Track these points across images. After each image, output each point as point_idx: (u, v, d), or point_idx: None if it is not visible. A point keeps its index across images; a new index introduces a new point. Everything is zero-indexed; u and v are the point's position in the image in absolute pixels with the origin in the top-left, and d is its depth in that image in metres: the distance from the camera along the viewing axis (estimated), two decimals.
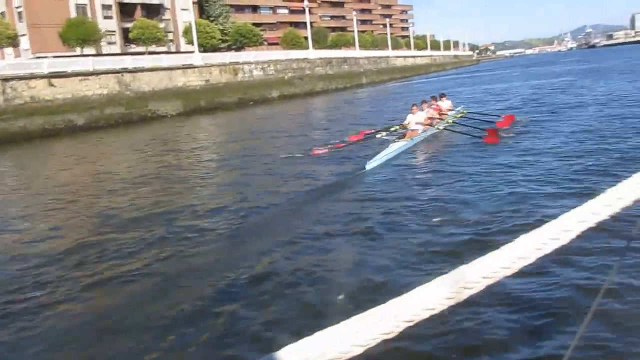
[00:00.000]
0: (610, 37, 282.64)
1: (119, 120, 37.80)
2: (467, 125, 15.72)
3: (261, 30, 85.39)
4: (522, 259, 0.64)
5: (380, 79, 75.37)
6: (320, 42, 74.88)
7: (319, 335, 0.54)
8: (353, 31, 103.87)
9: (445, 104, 18.85)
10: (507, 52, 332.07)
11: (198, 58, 45.40)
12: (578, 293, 4.93)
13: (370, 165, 12.15)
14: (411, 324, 0.56)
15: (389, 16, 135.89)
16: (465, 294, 0.61)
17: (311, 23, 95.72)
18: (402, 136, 15.15)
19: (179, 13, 62.92)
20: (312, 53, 58.92)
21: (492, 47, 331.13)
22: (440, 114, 17.37)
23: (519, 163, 11.03)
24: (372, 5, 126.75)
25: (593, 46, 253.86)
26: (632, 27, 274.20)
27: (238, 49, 61.02)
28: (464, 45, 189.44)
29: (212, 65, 46.39)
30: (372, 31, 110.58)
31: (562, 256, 5.43)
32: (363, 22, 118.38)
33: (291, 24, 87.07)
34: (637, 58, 67.39)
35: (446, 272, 0.65)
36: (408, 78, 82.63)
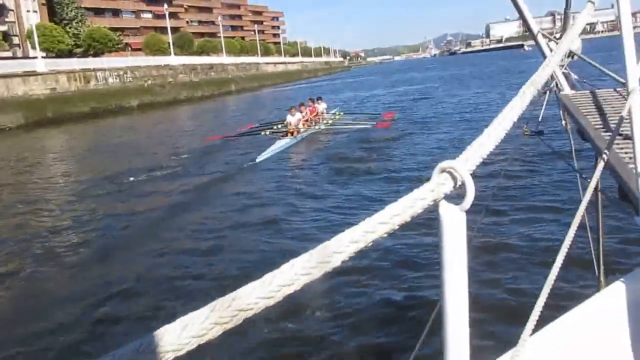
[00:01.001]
0: (469, 44, 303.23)
1: None
2: (345, 127, 18.22)
3: (124, 35, 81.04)
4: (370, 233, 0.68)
5: (250, 85, 74.35)
6: (185, 48, 72.23)
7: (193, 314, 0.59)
8: (224, 37, 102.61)
9: (321, 106, 20.55)
10: (376, 59, 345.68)
11: (41, 64, 41.41)
12: None
13: (260, 158, 14.06)
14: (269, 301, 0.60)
15: (260, 22, 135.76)
16: (279, 295, 0.63)
17: (178, 28, 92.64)
18: (286, 134, 16.81)
19: (25, 15, 57.35)
20: (175, 59, 56.44)
21: (362, 54, 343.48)
22: (315, 116, 19.22)
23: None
24: (242, 11, 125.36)
25: (454, 53, 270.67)
26: (487, 35, 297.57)
27: (96, 55, 56.84)
28: (335, 51, 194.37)
29: (59, 72, 42.55)
30: (242, 37, 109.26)
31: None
32: (233, 28, 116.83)
33: (156, 29, 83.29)
34: (489, 65, 72.63)
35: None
36: (279, 85, 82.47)
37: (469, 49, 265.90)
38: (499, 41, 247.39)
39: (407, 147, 14.71)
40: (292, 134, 16.88)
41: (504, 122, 0.97)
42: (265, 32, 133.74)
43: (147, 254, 7.69)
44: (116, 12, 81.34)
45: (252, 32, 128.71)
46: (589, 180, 1.79)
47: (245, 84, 73.35)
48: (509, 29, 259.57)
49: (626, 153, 2.40)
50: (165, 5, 60.89)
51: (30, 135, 32.95)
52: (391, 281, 5.89)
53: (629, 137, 2.07)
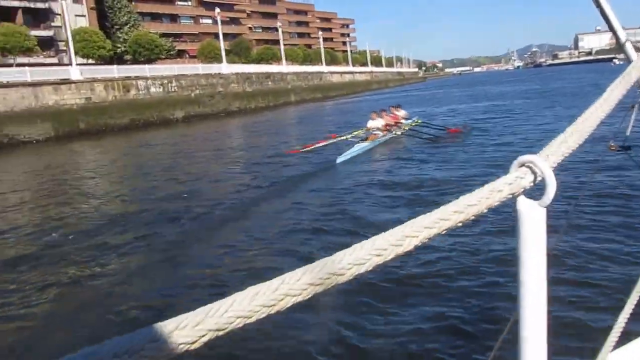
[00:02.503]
0: (555, 56, 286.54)
1: None
2: (421, 131, 18.62)
3: (181, 41, 77.97)
4: (395, 246, 0.66)
5: (312, 96, 68.88)
6: (243, 55, 67.81)
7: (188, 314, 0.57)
8: (288, 44, 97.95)
9: (400, 113, 21.30)
10: (455, 70, 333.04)
11: (76, 71, 37.45)
12: None
13: (340, 159, 14.87)
14: (272, 309, 0.58)
15: (328, 30, 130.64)
16: (351, 273, 0.62)
17: (239, 35, 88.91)
18: (365, 139, 17.48)
19: (74, 20, 54.51)
20: (226, 67, 51.67)
21: (439, 64, 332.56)
22: (395, 122, 19.63)
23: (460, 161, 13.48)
24: (309, 18, 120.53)
25: (539, 65, 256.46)
26: (576, 47, 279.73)
27: (148, 62, 53.16)
28: (409, 61, 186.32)
29: (95, 81, 38.51)
30: (309, 45, 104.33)
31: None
32: (300, 35, 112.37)
33: (215, 35, 79.86)
34: (580, 80, 63.82)
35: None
36: (345, 96, 76.76)
37: (556, 61, 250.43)
38: (589, 53, 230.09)
39: (480, 155, 14.31)
40: (372, 137, 17.87)
41: (589, 121, 0.95)
42: (334, 40, 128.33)
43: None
44: (174, 18, 78.37)
45: (320, 40, 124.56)
46: None
47: (307, 94, 67.89)
48: (599, 41, 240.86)
49: None
50: (217, 10, 56.41)
51: (59, 149, 28.93)
52: (466, 277, 5.64)
53: None
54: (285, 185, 12.39)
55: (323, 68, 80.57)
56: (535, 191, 0.77)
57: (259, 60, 72.07)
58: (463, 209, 0.71)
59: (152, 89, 42.82)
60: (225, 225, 9.22)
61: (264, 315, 0.59)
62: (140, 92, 41.88)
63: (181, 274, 6.91)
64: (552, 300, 0.83)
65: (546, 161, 0.76)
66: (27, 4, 50.33)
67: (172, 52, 62.77)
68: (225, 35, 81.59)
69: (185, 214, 10.10)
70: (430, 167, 13.10)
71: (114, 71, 40.38)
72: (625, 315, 1.15)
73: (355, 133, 18.25)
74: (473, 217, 0.72)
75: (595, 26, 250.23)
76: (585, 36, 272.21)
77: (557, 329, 3.87)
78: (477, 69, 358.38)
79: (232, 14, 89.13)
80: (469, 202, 0.71)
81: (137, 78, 41.87)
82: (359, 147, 16.47)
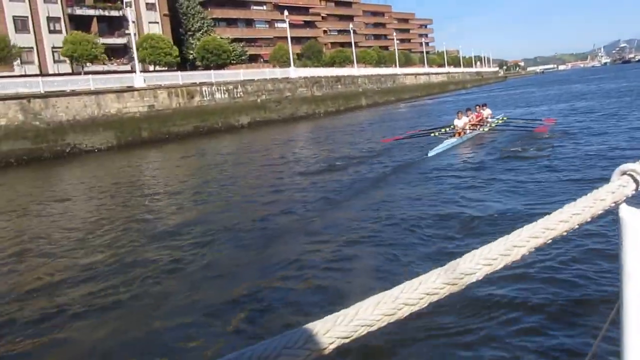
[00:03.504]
0: None
1: (23, 157, 29.76)
2: (507, 129, 19.59)
3: (257, 46, 77.58)
4: (517, 247, 0.67)
5: (384, 99, 66.20)
6: (314, 58, 66.21)
7: (329, 317, 0.58)
8: (363, 47, 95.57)
9: (485, 112, 21.81)
10: (537, 68, 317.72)
11: (139, 79, 37.03)
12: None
13: (431, 153, 16.33)
14: (413, 308, 0.60)
15: (406, 31, 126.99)
16: (463, 282, 0.64)
17: (315, 38, 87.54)
18: (453, 135, 18.71)
19: (147, 27, 55.02)
20: (294, 72, 50.09)
21: (521, 63, 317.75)
22: (479, 121, 20.46)
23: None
24: (386, 19, 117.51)
25: (628, 61, 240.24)
26: None
27: (219, 68, 52.67)
28: (489, 60, 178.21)
29: (158, 88, 37.97)
30: (386, 47, 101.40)
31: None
32: (376, 37, 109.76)
33: (291, 39, 78.87)
34: None
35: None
36: (419, 98, 73.48)
37: None
38: None
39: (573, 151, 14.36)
40: (459, 134, 18.82)
41: None
42: (412, 41, 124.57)
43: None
44: (249, 22, 78.09)
45: (398, 41, 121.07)
46: None
47: (379, 97, 65.24)
48: None
49: None
50: (286, 12, 54.84)
51: (121, 157, 28.50)
52: (566, 281, 5.61)
53: None
54: (382, 177, 13.73)
55: (396, 70, 77.54)
56: (635, 198, 0.77)
57: (331, 63, 70.26)
58: (568, 218, 0.70)
59: (217, 95, 41.88)
60: (325, 218, 9.76)
61: (384, 324, 0.60)
62: (205, 98, 41.02)
63: (284, 276, 6.88)
64: None
65: None
66: (102, 12, 51.27)
67: (243, 57, 62.22)
68: (299, 39, 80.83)
69: (269, 217, 10.30)
70: (517, 161, 13.79)
71: (178, 78, 39.72)
72: None
73: (443, 130, 19.62)
74: (577, 226, 0.71)
75: None
76: None
77: None
78: (561, 67, 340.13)
79: (307, 17, 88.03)
80: (574, 211, 0.71)
81: (202, 84, 41.06)
82: (448, 143, 17.68)
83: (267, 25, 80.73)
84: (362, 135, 27.63)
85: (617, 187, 0.75)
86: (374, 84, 66.24)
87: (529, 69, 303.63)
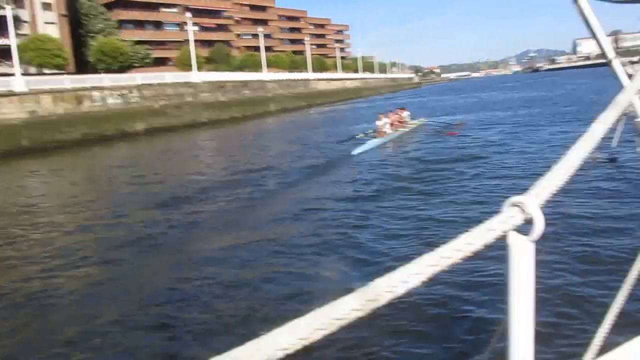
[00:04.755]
0: (553, 61, 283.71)
1: None
2: (424, 131, 22.75)
3: (166, 49, 75.11)
4: (421, 273, 0.73)
5: (295, 105, 65.77)
6: (222, 62, 64.83)
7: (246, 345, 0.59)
8: (278, 51, 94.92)
9: (404, 114, 24.14)
10: (451, 75, 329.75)
11: (20, 82, 34.39)
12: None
13: (355, 152, 18.10)
14: (323, 332, 0.62)
15: (321, 36, 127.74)
16: (373, 306, 0.67)
17: (228, 42, 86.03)
18: (375, 136, 20.82)
19: (43, 28, 51.63)
20: (197, 76, 48.61)
21: (437, 70, 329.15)
22: (400, 122, 23.08)
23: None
24: (301, 24, 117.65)
25: (537, 70, 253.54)
26: (574, 52, 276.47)
27: (121, 71, 50.14)
28: (402, 67, 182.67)
29: (41, 92, 35.43)
30: (302, 52, 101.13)
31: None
32: (292, 41, 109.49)
33: (203, 42, 76.93)
34: (581, 86, 60.55)
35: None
36: (331, 104, 73.68)
37: (553, 66, 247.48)
38: (587, 58, 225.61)
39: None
40: (381, 134, 20.74)
41: (575, 157, 1.02)
42: (328, 46, 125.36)
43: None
44: (158, 25, 75.57)
45: (314, 46, 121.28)
46: None
47: (289, 103, 64.73)
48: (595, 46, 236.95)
49: None
50: (189, 14, 53.14)
51: None
52: (455, 306, 5.76)
53: None
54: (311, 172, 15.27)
55: (309, 75, 77.45)
56: (523, 227, 0.85)
57: (241, 67, 69.14)
58: (462, 247, 0.77)
59: (110, 100, 39.77)
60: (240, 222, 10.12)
61: (299, 349, 0.61)
62: (96, 103, 38.82)
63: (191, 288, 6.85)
64: (538, 324, 0.91)
65: (534, 201, 0.83)
66: None
67: (147, 60, 59.91)
68: (211, 42, 79.10)
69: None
70: (428, 161, 15.39)
71: (65, 82, 37.28)
72: (603, 330, 1.25)
73: (367, 132, 21.81)
74: (471, 254, 0.78)
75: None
76: (584, 41, 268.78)
77: (543, 348, 4.27)
78: (474, 74, 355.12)
79: (219, 21, 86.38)
80: (468, 241, 0.77)
81: (93, 89, 38.80)
82: (370, 143, 19.48)
83: (178, 28, 78.39)
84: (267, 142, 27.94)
85: (507, 217, 0.82)
86: (284, 89, 65.71)
87: (443, 75, 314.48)
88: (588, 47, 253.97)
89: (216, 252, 8.20)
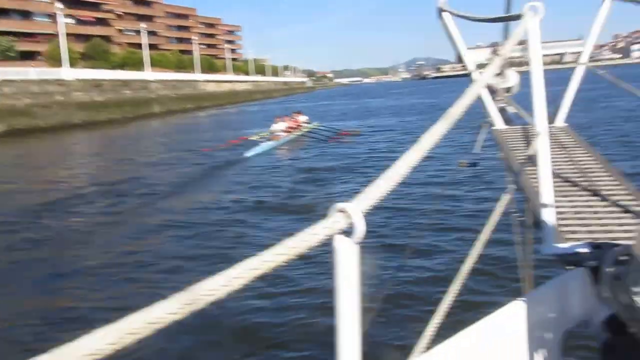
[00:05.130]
0: (439, 69, 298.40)
1: None
2: (318, 133, 22.93)
3: (36, 42, 68.14)
4: (239, 278, 0.76)
5: (181, 107, 62.33)
6: (100, 59, 59.94)
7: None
8: (164, 50, 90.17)
9: (301, 118, 24.95)
10: (344, 80, 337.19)
11: None
12: None
13: (248, 154, 18.42)
14: (135, 337, 0.62)
15: (211, 36, 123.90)
16: (191, 309, 0.68)
17: (108, 37, 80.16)
18: (270, 139, 21.18)
19: None
20: (69, 72, 44.08)
21: (330, 75, 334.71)
22: (297, 125, 23.65)
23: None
24: (190, 22, 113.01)
25: (424, 78, 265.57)
26: (459, 61, 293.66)
27: None
28: (295, 70, 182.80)
29: None
30: (190, 51, 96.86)
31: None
32: (180, 40, 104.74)
33: (78, 36, 70.74)
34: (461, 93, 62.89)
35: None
36: (222, 106, 70.98)
37: (439, 74, 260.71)
38: (482, 66, 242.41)
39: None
40: (275, 138, 21.35)
41: (401, 167, 1.08)
42: (218, 47, 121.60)
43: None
44: (26, 14, 68.43)
45: (204, 46, 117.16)
46: (513, 212, 2.19)
47: (175, 105, 61.18)
48: (480, 56, 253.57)
49: (534, 187, 2.65)
50: (60, 5, 48.26)
51: None
52: (289, 304, 6.06)
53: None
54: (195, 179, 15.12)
55: (197, 76, 74.10)
56: (349, 232, 0.90)
57: (122, 66, 64.34)
58: (286, 251, 0.80)
59: None
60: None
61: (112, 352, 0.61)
62: None
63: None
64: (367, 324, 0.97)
65: (358, 207, 0.89)
66: None
67: (10, 54, 53.74)
68: (89, 37, 72.95)
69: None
70: (320, 162, 16.59)
71: None
72: (432, 326, 1.34)
73: (262, 135, 21.98)
74: (295, 257, 0.81)
75: (476, 42, 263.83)
76: (468, 51, 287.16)
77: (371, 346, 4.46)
78: (366, 80, 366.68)
79: (99, 14, 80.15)
80: (292, 244, 0.81)
81: None
82: (264, 145, 19.91)
83: (50, 19, 71.51)
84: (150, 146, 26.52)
85: (332, 222, 0.87)
86: (169, 90, 62.04)
87: (336, 80, 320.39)
88: (471, 57, 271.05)
89: (54, 280, 7.38)
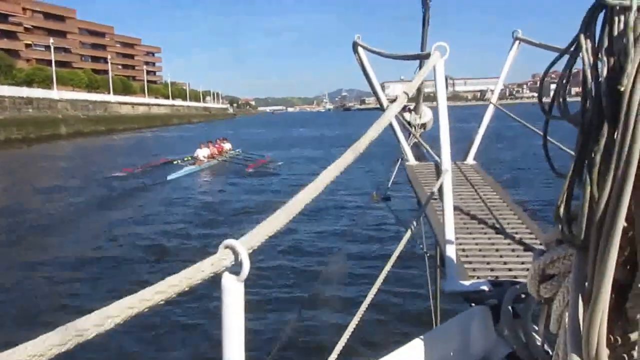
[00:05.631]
0: (363, 101, 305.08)
1: None
2: (239, 160, 24.34)
3: None
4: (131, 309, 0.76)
5: (91, 129, 58.79)
6: (2, 74, 55.59)
7: None
8: (77, 68, 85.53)
9: (226, 145, 26.67)
10: (268, 109, 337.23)
11: None
12: None
13: (170, 177, 19.35)
14: None
15: (130, 56, 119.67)
16: (77, 341, 0.68)
17: (16, 51, 75.00)
18: (193, 163, 22.19)
19: None
20: None
21: (253, 102, 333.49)
22: (220, 152, 25.15)
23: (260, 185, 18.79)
24: (106, 41, 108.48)
25: (348, 109, 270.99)
26: (373, 94, 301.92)
27: None
28: (219, 96, 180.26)
29: None
30: (106, 71, 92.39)
31: None
32: (94, 59, 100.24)
33: None
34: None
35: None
36: (137, 130, 67.82)
37: (363, 106, 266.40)
38: (393, 100, 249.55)
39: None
40: (198, 163, 22.47)
41: (292, 206, 1.09)
42: (137, 68, 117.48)
43: None
44: None
45: (120, 67, 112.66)
46: (421, 247, 2.51)
47: (85, 126, 57.63)
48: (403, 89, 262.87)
49: (440, 224, 2.64)
50: None
51: None
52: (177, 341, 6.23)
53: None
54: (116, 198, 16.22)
55: (109, 97, 70.57)
56: (236, 267, 0.92)
57: (29, 82, 59.94)
58: (166, 289, 0.79)
59: None
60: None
61: None
62: None
63: None
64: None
65: (245, 245, 0.89)
66: None
67: None
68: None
69: None
70: (238, 190, 17.32)
71: None
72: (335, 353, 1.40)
73: (185, 159, 23.00)
74: (175, 295, 0.80)
75: (400, 76, 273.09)
76: (391, 84, 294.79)
77: None
78: (290, 109, 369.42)
79: (4, 26, 74.95)
80: (173, 282, 0.80)
81: None
82: (187, 169, 20.89)
83: None
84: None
85: (218, 259, 0.87)
86: (79, 111, 58.39)
87: (259, 108, 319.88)
88: (394, 90, 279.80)
89: None
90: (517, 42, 4.50)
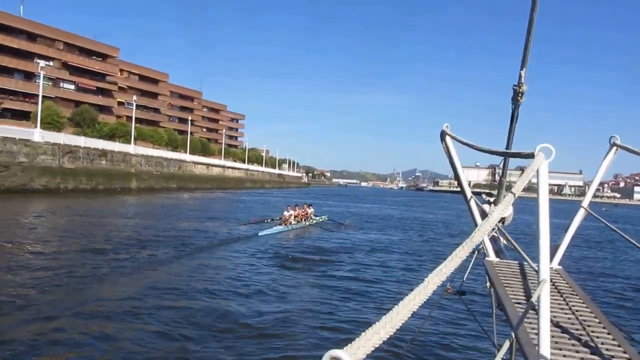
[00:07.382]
0: (436, 183, 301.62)
1: None
2: (326, 225, 27.79)
3: (33, 103, 67.09)
4: None
5: (162, 185, 59.98)
6: (86, 126, 58.41)
7: None
8: (165, 128, 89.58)
9: (310, 210, 28.55)
10: (341, 181, 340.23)
11: None
12: None
13: (261, 233, 21.73)
14: None
15: (215, 121, 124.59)
16: None
17: (109, 108, 79.65)
18: (282, 223, 24.61)
19: None
20: (40, 135, 42.06)
21: (328, 174, 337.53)
22: (304, 215, 27.18)
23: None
24: (194, 105, 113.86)
25: (421, 189, 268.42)
26: (455, 179, 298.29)
27: None
28: (295, 164, 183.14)
29: None
30: (192, 133, 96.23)
31: None
32: (182, 120, 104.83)
33: (77, 103, 70.11)
34: (456, 212, 60.88)
35: None
36: (209, 190, 68.79)
37: (436, 188, 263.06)
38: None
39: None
40: (285, 223, 24.70)
41: (401, 313, 1.00)
42: (219, 132, 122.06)
43: None
44: (28, 76, 67.81)
45: (204, 130, 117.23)
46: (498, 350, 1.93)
47: (156, 182, 58.85)
48: (478, 175, 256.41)
49: (533, 338, 2.44)
50: (42, 63, 47.18)
51: None
52: None
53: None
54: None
55: (185, 156, 72.39)
56: None
57: (111, 136, 62.71)
58: None
59: None
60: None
61: None
62: None
63: None
64: None
65: (353, 357, 0.83)
66: None
67: None
68: (81, 103, 72.16)
69: None
70: (323, 250, 19.04)
71: None
72: None
73: (276, 219, 25.67)
74: None
75: (475, 162, 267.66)
76: (466, 169, 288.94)
77: None
78: (364, 184, 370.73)
79: (103, 85, 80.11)
80: None
81: None
82: (276, 228, 23.34)
83: (51, 83, 71.01)
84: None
85: None
86: (152, 167, 59.84)
87: (334, 180, 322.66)
88: (469, 176, 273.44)
89: None
90: (614, 147, 4.18)
